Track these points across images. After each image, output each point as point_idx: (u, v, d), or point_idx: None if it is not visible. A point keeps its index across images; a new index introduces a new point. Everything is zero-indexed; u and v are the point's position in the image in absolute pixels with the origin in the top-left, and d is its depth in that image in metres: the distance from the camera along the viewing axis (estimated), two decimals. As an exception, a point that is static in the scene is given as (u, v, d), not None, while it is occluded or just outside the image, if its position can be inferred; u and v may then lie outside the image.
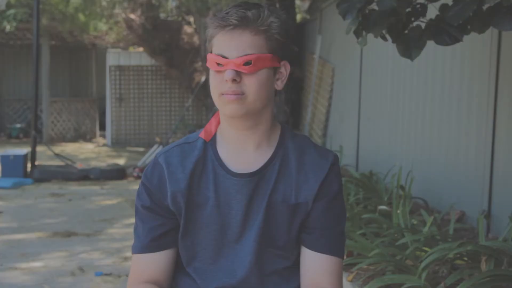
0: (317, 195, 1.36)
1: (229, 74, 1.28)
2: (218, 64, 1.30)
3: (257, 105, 1.32)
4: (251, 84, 1.29)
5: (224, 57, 1.29)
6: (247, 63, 1.28)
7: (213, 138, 1.41)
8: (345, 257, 3.47)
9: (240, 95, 1.29)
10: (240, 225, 1.36)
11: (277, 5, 8.48)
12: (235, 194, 1.35)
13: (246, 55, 1.28)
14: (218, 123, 1.41)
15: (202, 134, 1.41)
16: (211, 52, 1.34)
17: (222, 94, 1.30)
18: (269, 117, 1.38)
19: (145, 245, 1.39)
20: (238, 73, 1.28)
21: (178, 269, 1.45)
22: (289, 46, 1.36)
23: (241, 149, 1.38)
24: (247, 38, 1.28)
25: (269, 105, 1.36)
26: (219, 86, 1.31)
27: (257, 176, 1.36)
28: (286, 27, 1.33)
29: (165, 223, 1.38)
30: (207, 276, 1.40)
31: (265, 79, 1.31)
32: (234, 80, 1.28)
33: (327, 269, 1.37)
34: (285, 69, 1.36)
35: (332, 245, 1.38)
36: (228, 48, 1.29)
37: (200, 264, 1.41)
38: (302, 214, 1.37)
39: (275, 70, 1.34)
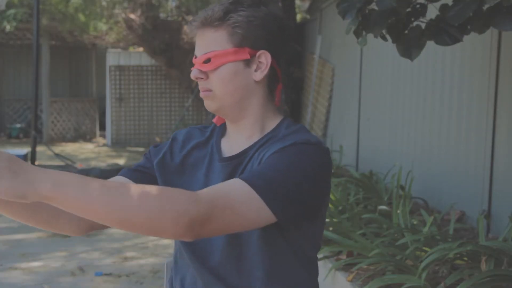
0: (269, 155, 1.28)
1: (192, 74, 1.35)
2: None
3: (228, 100, 1.34)
4: (215, 81, 1.33)
5: (196, 57, 1.37)
6: (206, 61, 1.33)
7: (223, 126, 1.45)
8: (344, 256, 3.47)
9: (209, 92, 1.34)
10: None
11: (280, 4, 8.47)
12: (217, 178, 1.36)
13: (206, 53, 1.33)
14: None
15: (215, 119, 1.45)
16: None
17: (201, 92, 1.37)
18: (257, 109, 1.37)
19: (125, 171, 1.42)
20: (201, 71, 1.34)
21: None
22: (269, 36, 1.33)
23: (236, 139, 1.40)
24: (207, 37, 1.33)
25: (251, 97, 1.35)
26: (198, 85, 1.38)
27: (235, 160, 1.35)
28: (256, 18, 1.31)
29: (150, 168, 1.42)
30: (181, 263, 1.39)
31: (230, 74, 1.32)
32: (199, 78, 1.34)
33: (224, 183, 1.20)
34: (265, 59, 1.33)
35: (250, 175, 1.19)
36: (196, 48, 1.37)
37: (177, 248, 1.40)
38: None
39: (249, 61, 1.33)
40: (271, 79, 1.37)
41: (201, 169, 1.40)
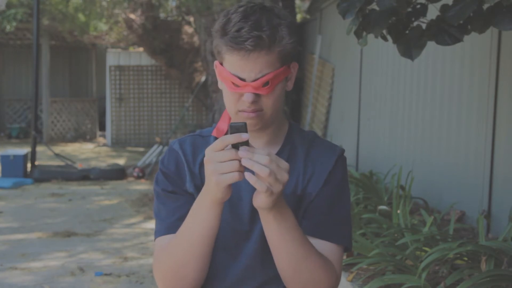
0: (322, 185, 1.38)
1: (249, 98, 1.30)
2: (234, 84, 1.31)
3: (274, 116, 1.36)
4: (269, 101, 1.32)
5: (240, 78, 1.30)
6: (265, 84, 1.30)
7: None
8: (345, 256, 3.47)
9: (259, 112, 1.33)
10: (249, 216, 1.38)
11: (280, 4, 8.48)
12: (245, 185, 1.36)
13: (263, 76, 1.29)
14: (230, 119, 1.43)
15: (214, 132, 1.44)
16: (221, 64, 1.34)
17: (240, 111, 1.33)
18: (280, 116, 1.42)
19: (170, 224, 1.38)
20: (257, 94, 1.31)
21: None
22: (297, 47, 1.36)
23: (252, 144, 1.39)
24: (262, 59, 1.29)
25: (281, 108, 1.40)
26: (236, 104, 1.33)
27: None
28: (295, 33, 1.34)
29: (188, 202, 1.37)
30: (214, 269, 1.40)
31: (280, 91, 1.34)
32: (254, 102, 1.31)
33: (326, 255, 1.35)
34: (294, 70, 1.38)
35: (331, 231, 1.37)
36: (244, 70, 1.29)
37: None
38: (306, 203, 1.38)
39: (287, 76, 1.37)
40: None
41: None
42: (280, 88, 1.34)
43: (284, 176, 1.17)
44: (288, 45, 1.31)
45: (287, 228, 1.25)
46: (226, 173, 1.17)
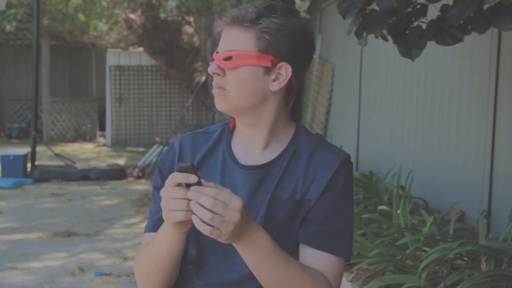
0: (323, 192, 1.33)
1: (211, 67, 1.32)
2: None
3: (240, 102, 1.32)
4: (231, 80, 1.31)
5: (217, 52, 1.35)
6: (227, 58, 1.30)
7: (233, 130, 1.43)
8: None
9: (222, 90, 1.32)
10: None
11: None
12: (240, 185, 1.34)
13: (229, 50, 1.31)
14: None
15: (232, 122, 1.44)
16: None
17: (214, 88, 1.35)
18: (271, 116, 1.36)
19: (155, 222, 1.39)
20: (219, 67, 1.31)
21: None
22: (295, 48, 1.32)
23: (251, 146, 1.38)
24: (234, 35, 1.31)
25: (267, 104, 1.35)
26: (213, 80, 1.36)
27: (264, 170, 1.34)
28: (286, 28, 1.31)
29: None
30: (206, 269, 1.39)
31: (248, 77, 1.30)
32: (216, 74, 1.32)
33: (323, 267, 1.31)
34: (285, 71, 1.33)
35: (329, 241, 1.32)
36: (220, 43, 1.34)
37: (200, 256, 1.39)
38: (305, 210, 1.34)
39: (269, 69, 1.32)
40: (288, 91, 1.37)
41: (214, 177, 1.37)
42: (248, 73, 1.30)
43: (234, 216, 1.12)
44: (266, 30, 1.29)
45: (265, 252, 1.22)
46: (174, 210, 1.16)
